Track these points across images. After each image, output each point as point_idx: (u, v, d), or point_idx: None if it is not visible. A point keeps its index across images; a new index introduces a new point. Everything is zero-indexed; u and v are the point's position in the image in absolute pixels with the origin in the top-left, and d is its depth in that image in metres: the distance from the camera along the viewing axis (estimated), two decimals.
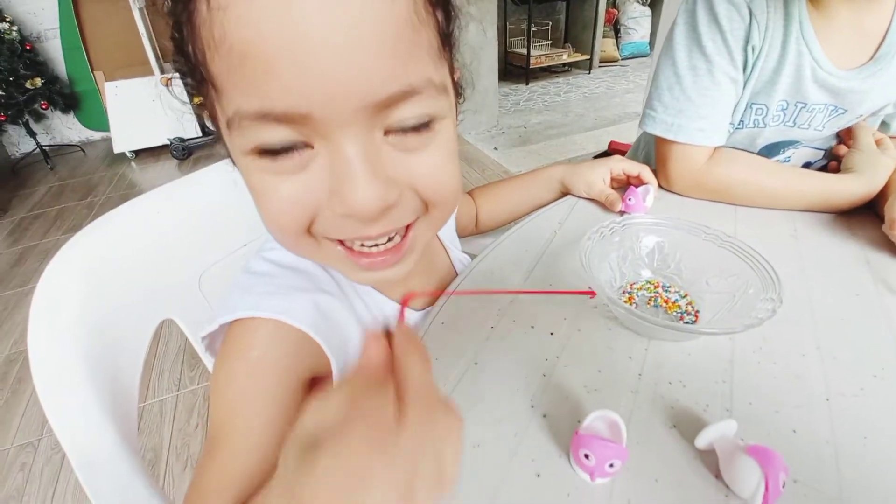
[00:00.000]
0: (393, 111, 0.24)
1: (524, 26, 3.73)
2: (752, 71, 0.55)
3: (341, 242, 0.30)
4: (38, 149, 2.96)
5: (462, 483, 0.29)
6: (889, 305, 0.41)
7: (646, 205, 0.54)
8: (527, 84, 3.89)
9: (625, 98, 3.47)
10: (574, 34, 4.21)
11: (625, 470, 0.29)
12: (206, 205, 0.58)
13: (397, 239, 0.30)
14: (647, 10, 4.25)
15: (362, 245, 0.29)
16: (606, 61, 4.22)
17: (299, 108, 0.23)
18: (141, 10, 2.68)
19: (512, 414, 0.33)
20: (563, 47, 4.16)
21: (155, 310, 0.51)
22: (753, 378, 0.35)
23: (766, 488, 0.25)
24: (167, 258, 0.53)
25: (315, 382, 0.36)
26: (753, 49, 0.54)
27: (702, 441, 0.29)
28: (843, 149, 0.59)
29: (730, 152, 0.58)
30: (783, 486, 0.25)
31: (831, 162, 0.62)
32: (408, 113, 0.25)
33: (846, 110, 0.57)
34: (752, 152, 0.63)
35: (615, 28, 4.29)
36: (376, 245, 0.29)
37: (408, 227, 0.30)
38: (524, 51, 3.78)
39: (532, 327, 0.41)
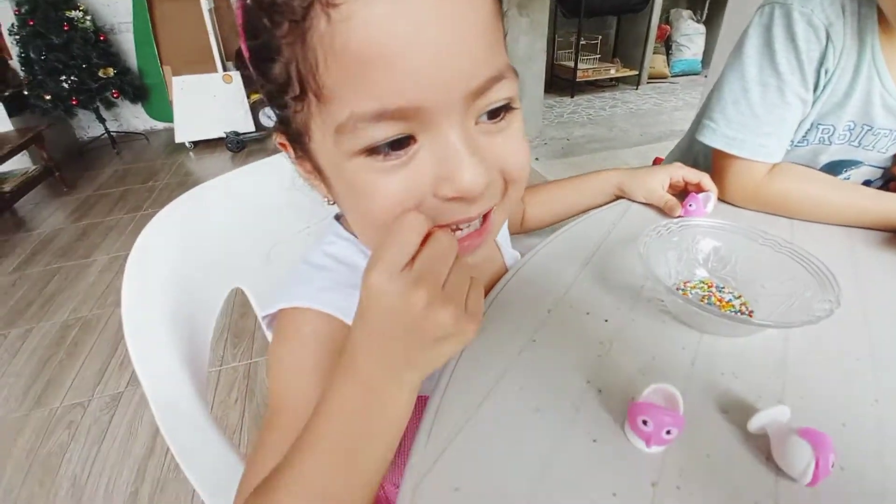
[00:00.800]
0: (485, 97, 0.27)
1: (573, 39, 3.74)
2: (821, 93, 0.55)
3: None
4: (105, 134, 3.20)
5: (522, 444, 0.31)
6: None
7: (706, 211, 0.55)
8: (572, 97, 3.89)
9: (672, 115, 3.41)
10: (624, 49, 4.18)
11: (677, 444, 0.31)
12: (278, 188, 0.63)
13: (477, 224, 0.32)
14: (702, 28, 4.17)
15: (456, 228, 0.32)
16: (655, 77, 4.17)
17: (414, 101, 0.25)
18: (210, 10, 2.87)
19: (569, 387, 0.36)
20: (612, 62, 4.13)
21: (229, 278, 0.57)
22: (805, 376, 0.36)
23: (817, 466, 0.27)
24: (242, 234, 0.58)
25: None
26: (826, 72, 0.54)
27: (755, 424, 0.30)
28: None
29: (789, 166, 0.58)
30: (832, 467, 0.27)
31: (891, 182, 0.61)
32: (495, 96, 0.27)
33: None
34: (814, 168, 0.63)
35: (667, 44, 4.24)
36: (459, 230, 0.32)
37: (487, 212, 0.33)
38: (571, 63, 3.79)
39: (587, 314, 0.43)
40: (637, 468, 0.30)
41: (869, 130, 0.58)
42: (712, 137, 0.59)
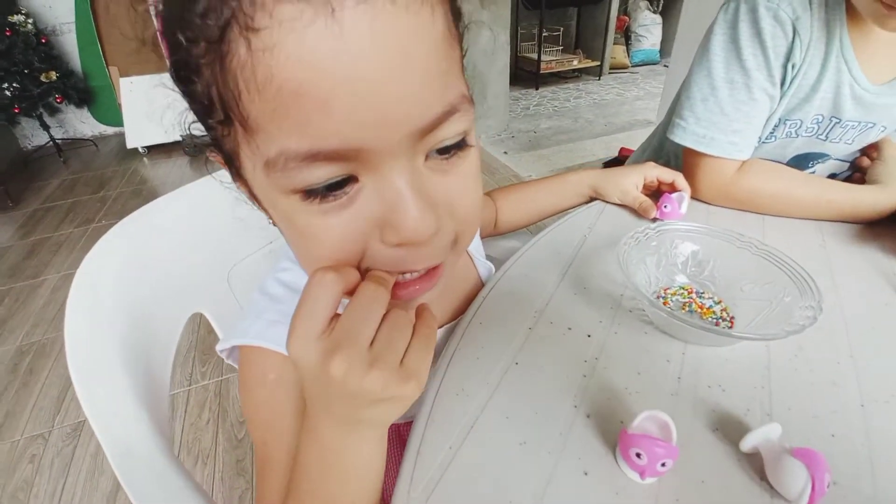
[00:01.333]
0: (434, 133, 0.24)
1: (535, 31, 3.75)
2: (788, 88, 0.55)
3: None
4: (51, 142, 2.99)
5: (509, 482, 0.30)
6: None
7: (682, 212, 0.55)
8: (537, 89, 3.91)
9: (634, 105, 3.48)
10: (585, 40, 4.23)
11: (671, 470, 0.29)
12: (238, 202, 0.59)
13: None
14: (659, 18, 4.26)
15: (402, 274, 0.29)
16: (617, 68, 4.23)
17: (352, 143, 0.22)
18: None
19: (556, 414, 0.34)
20: (574, 53, 4.17)
21: (187, 302, 0.53)
22: (791, 384, 0.36)
23: (813, 489, 0.26)
24: (199, 253, 0.54)
25: None
26: (794, 67, 0.54)
27: (747, 444, 0.30)
28: (865, 161, 0.60)
29: (759, 163, 0.58)
30: (827, 487, 0.26)
31: (855, 174, 0.63)
32: (447, 132, 0.25)
33: (875, 124, 0.58)
34: (781, 163, 0.64)
35: (626, 35, 4.31)
36: (410, 273, 0.29)
37: None
38: (535, 56, 3.80)
39: (569, 329, 0.41)
40: (632, 500, 0.28)
41: (837, 123, 0.58)
42: (683, 136, 0.59)
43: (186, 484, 0.42)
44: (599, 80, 4.11)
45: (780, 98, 0.56)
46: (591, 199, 0.63)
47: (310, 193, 0.23)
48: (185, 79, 0.23)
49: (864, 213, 0.54)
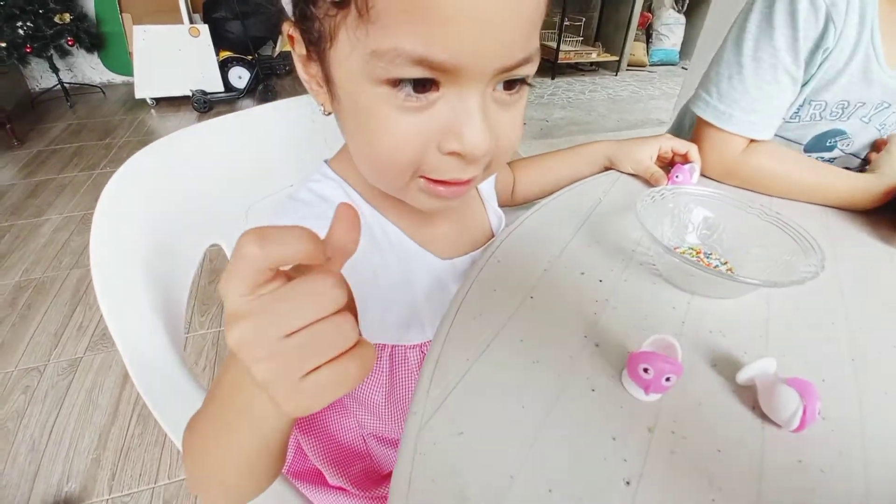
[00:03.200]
0: (511, 72, 0.28)
1: (556, 20, 3.71)
2: (817, 71, 0.56)
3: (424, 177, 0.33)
4: (59, 85, 2.95)
5: (523, 392, 0.32)
6: None
7: (692, 182, 0.56)
8: (553, 79, 3.88)
9: (649, 104, 3.47)
10: (606, 34, 4.19)
11: (671, 394, 0.32)
12: (262, 141, 0.61)
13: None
14: (682, 18, 4.22)
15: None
16: (634, 65, 4.21)
17: (457, 61, 0.25)
18: None
19: (567, 340, 0.36)
20: (594, 46, 4.14)
21: (206, 233, 0.54)
22: (787, 336, 0.38)
23: (804, 413, 0.28)
24: (221, 186, 0.55)
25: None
26: (826, 51, 0.55)
27: (743, 375, 0.32)
28: (874, 154, 0.62)
29: (766, 144, 0.60)
30: (818, 414, 0.29)
31: (866, 166, 0.65)
32: (520, 73, 0.29)
33: (890, 105, 0.60)
34: (801, 144, 0.66)
35: (647, 33, 4.27)
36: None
37: None
38: (554, 44, 3.77)
39: (582, 274, 0.44)
40: (634, 415, 0.31)
41: (861, 106, 0.60)
42: (704, 110, 0.60)
43: (196, 389, 0.44)
44: (616, 75, 4.09)
45: (809, 80, 0.57)
46: (606, 169, 0.64)
47: (397, 84, 0.27)
48: None
49: (860, 198, 0.56)
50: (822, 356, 0.36)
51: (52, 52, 2.78)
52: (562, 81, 3.89)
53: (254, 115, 0.62)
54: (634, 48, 4.14)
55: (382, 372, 0.45)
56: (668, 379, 0.29)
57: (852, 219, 0.56)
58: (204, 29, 2.81)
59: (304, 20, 0.30)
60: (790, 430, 0.29)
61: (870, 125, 0.63)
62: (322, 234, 0.36)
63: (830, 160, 0.68)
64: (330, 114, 0.35)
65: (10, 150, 2.44)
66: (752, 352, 0.36)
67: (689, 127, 0.77)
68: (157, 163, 0.50)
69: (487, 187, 0.54)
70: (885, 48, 0.55)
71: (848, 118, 0.62)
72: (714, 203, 0.47)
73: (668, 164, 0.63)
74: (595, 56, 4.01)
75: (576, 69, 4.14)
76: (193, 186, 0.53)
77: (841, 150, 0.66)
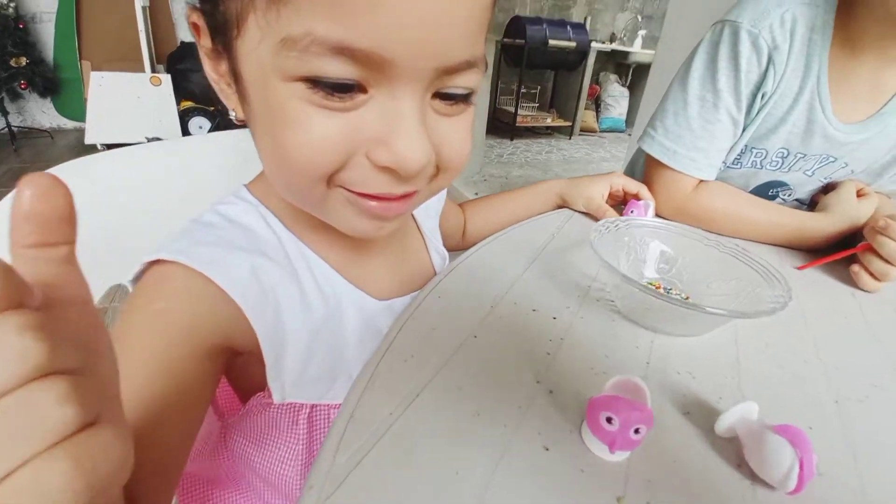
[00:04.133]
0: (452, 78, 0.25)
1: (514, 87, 3.97)
2: (756, 115, 0.56)
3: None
4: (6, 128, 2.79)
5: (459, 453, 0.25)
6: (876, 330, 0.42)
7: (647, 219, 0.54)
8: (511, 140, 4.08)
9: (601, 165, 3.68)
10: (559, 101, 4.51)
11: (640, 451, 0.26)
12: (187, 171, 0.55)
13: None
14: (626, 92, 4.63)
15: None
16: (586, 130, 4.51)
17: (385, 51, 0.22)
18: (144, 7, 2.69)
19: (515, 387, 0.30)
20: (549, 111, 4.43)
21: (105, 272, 0.46)
22: (761, 376, 0.34)
23: (801, 469, 0.23)
24: (125, 220, 0.48)
25: (233, 360, 0.32)
26: (763, 96, 0.54)
27: (723, 425, 0.27)
28: (821, 196, 0.63)
29: (715, 184, 0.60)
30: (815, 469, 0.23)
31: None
32: (461, 82, 0.26)
33: (836, 159, 0.59)
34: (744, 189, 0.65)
35: (596, 102, 4.64)
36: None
37: None
38: (512, 109, 4.00)
39: (534, 311, 0.38)
40: (599, 480, 0.24)
41: (802, 157, 0.59)
42: (650, 145, 0.60)
43: None
44: (570, 139, 4.35)
45: (749, 125, 0.57)
46: (559, 207, 0.62)
47: (316, 84, 0.23)
48: None
49: (810, 237, 0.56)
50: (802, 398, 0.32)
51: (3, 93, 2.66)
52: (520, 143, 4.08)
53: (181, 145, 0.57)
54: (585, 115, 4.46)
55: (299, 440, 0.36)
56: (636, 431, 0.23)
57: (805, 256, 0.55)
58: (166, 78, 2.79)
59: (207, 3, 0.26)
60: (786, 493, 0.23)
61: (813, 178, 0.62)
62: (232, 262, 0.28)
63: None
64: (243, 121, 0.30)
65: None
66: (728, 396, 0.31)
67: (641, 170, 0.78)
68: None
69: (430, 223, 0.49)
70: (833, 99, 0.54)
71: (788, 169, 0.61)
72: (670, 236, 0.45)
73: (621, 203, 0.61)
74: (550, 121, 4.28)
75: (533, 132, 4.38)
76: (100, 218, 0.45)
77: (783, 199, 0.67)
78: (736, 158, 0.62)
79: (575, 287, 0.42)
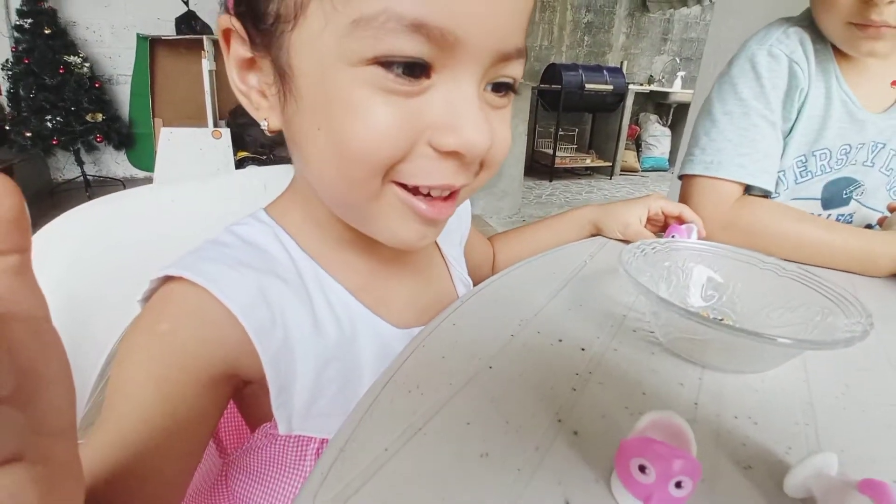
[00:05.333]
0: (505, 66, 0.26)
1: (552, 130, 4.01)
2: (800, 115, 0.56)
3: (403, 186, 0.28)
4: (81, 177, 3.12)
5: (459, 496, 0.21)
6: None
7: (689, 240, 0.49)
8: (550, 181, 4.07)
9: None
10: (598, 143, 4.49)
11: None
12: (205, 212, 0.56)
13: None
14: (668, 131, 4.55)
15: (427, 194, 0.28)
16: (627, 170, 4.43)
17: (459, 29, 0.22)
18: (210, 71, 3.00)
19: (533, 426, 0.26)
20: (588, 152, 4.42)
21: (134, 302, 0.47)
22: (840, 423, 0.27)
23: None
24: (157, 252, 0.50)
25: (241, 389, 0.31)
26: (801, 91, 0.56)
27: (794, 481, 0.21)
28: (887, 219, 0.56)
29: (767, 200, 0.57)
30: None
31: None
32: (511, 71, 0.27)
33: (885, 144, 0.59)
34: (818, 199, 0.62)
35: (637, 142, 4.58)
36: (427, 195, 0.28)
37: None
38: (550, 151, 4.02)
39: (560, 341, 0.34)
40: None
41: (862, 147, 0.59)
42: (692, 167, 0.58)
43: None
44: (611, 179, 4.29)
45: (795, 123, 0.57)
46: (593, 236, 0.58)
47: (387, 66, 0.23)
48: None
49: (879, 262, 0.48)
50: (889, 449, 0.26)
51: (80, 145, 2.98)
52: (559, 184, 4.06)
53: (214, 184, 0.59)
54: (626, 156, 4.40)
55: (304, 477, 0.33)
56: (679, 485, 0.19)
57: (880, 281, 0.48)
58: (226, 132, 3.05)
59: (252, 3, 0.26)
60: None
61: (874, 169, 0.61)
62: (238, 279, 0.28)
63: (850, 216, 0.63)
64: (273, 132, 0.30)
65: None
66: (798, 446, 0.25)
67: None
68: (91, 221, 0.45)
69: (454, 251, 0.47)
70: (856, 93, 0.56)
71: (855, 163, 0.60)
72: (717, 260, 0.40)
73: (661, 229, 0.57)
74: (589, 161, 4.25)
75: (572, 173, 4.36)
76: (130, 248, 0.47)
77: (857, 201, 0.63)
78: (803, 168, 0.59)
79: (608, 316, 0.38)
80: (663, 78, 4.70)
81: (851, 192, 0.62)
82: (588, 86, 3.84)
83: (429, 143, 0.25)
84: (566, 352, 0.33)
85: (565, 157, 4.19)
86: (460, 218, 0.48)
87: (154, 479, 0.25)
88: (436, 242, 0.44)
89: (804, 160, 0.59)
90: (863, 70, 0.57)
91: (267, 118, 0.29)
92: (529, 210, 3.28)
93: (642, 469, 0.19)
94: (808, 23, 0.57)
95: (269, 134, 0.30)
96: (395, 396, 0.28)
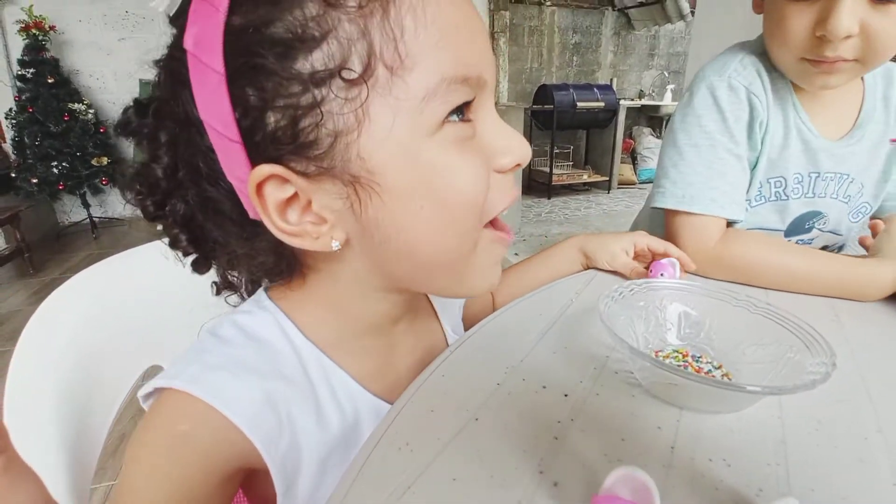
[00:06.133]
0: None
1: (547, 148, 4.07)
2: (763, 146, 0.58)
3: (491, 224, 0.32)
4: (87, 219, 3.18)
5: None
6: None
7: (677, 278, 0.51)
8: (549, 198, 4.11)
9: None
10: (594, 158, 4.55)
11: None
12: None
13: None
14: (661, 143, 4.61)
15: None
16: (625, 184, 4.47)
17: (482, 70, 0.27)
18: None
19: (516, 478, 0.27)
20: (584, 168, 4.47)
21: (144, 354, 0.50)
22: (812, 462, 0.29)
23: None
24: (165, 306, 0.52)
25: (249, 474, 0.31)
26: (761, 124, 0.57)
27: None
28: (869, 239, 0.58)
29: (748, 231, 0.57)
30: None
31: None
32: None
33: (849, 175, 0.60)
34: (782, 230, 0.63)
35: (633, 156, 4.63)
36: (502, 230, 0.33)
37: None
38: (547, 169, 4.07)
39: (543, 387, 0.36)
40: None
41: (817, 177, 0.60)
42: (663, 199, 0.59)
43: None
44: (608, 193, 4.32)
45: (759, 157, 0.59)
46: (586, 266, 0.60)
47: (456, 112, 0.26)
48: (293, 52, 0.23)
49: (866, 288, 0.49)
50: (859, 485, 0.27)
51: (86, 189, 3.04)
52: (557, 200, 4.10)
53: None
54: (623, 169, 4.44)
55: None
56: None
57: (865, 309, 0.49)
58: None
59: (297, 138, 0.24)
60: None
61: (836, 200, 0.62)
62: (243, 391, 0.29)
63: (810, 241, 0.66)
64: (338, 247, 0.28)
65: (23, 278, 2.53)
66: (770, 487, 0.27)
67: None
68: (99, 281, 0.48)
69: (454, 321, 0.48)
70: (813, 122, 0.58)
71: (813, 195, 0.62)
72: (693, 298, 0.41)
73: (647, 266, 0.58)
74: (586, 177, 4.30)
75: (570, 189, 4.40)
76: (137, 304, 0.49)
77: (819, 229, 0.65)
78: (759, 193, 0.61)
79: (591, 359, 0.40)
80: (653, 92, 4.79)
81: (814, 223, 0.64)
82: (580, 104, 3.92)
83: (495, 169, 0.29)
84: (550, 399, 0.35)
85: (562, 174, 4.24)
86: None
87: None
88: (435, 314, 0.46)
89: (760, 186, 0.61)
90: (820, 98, 0.58)
91: (334, 236, 0.28)
92: (529, 228, 3.30)
93: None
94: (763, 50, 0.58)
95: (335, 249, 0.28)
96: (387, 454, 0.29)
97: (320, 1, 0.23)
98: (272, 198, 0.26)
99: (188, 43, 0.24)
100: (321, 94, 0.23)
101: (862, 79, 0.59)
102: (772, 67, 0.58)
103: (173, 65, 0.27)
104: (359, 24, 0.23)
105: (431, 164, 0.26)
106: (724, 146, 0.57)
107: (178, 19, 0.25)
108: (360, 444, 0.33)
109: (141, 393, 0.31)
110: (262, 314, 0.33)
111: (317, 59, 0.23)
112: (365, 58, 0.23)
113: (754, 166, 0.60)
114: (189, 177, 0.28)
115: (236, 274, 0.37)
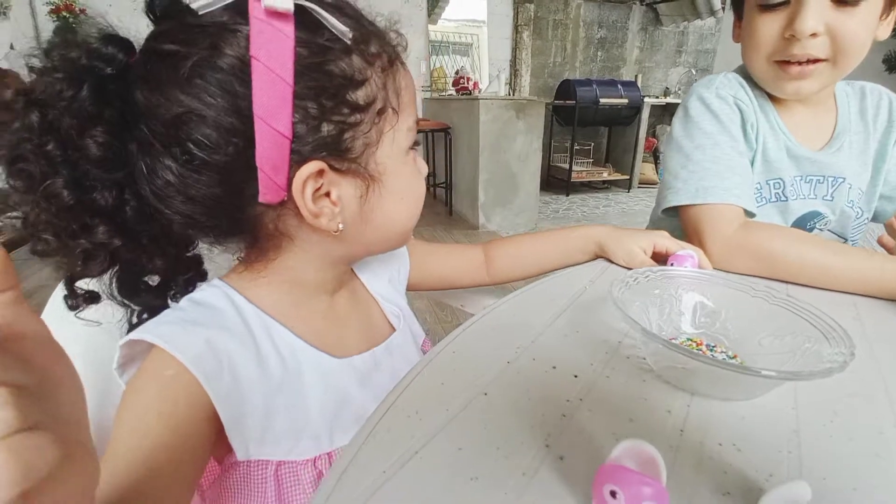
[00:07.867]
0: None
1: (567, 144, 4.03)
2: (757, 145, 0.61)
3: None
4: None
5: None
6: None
7: (682, 269, 0.50)
8: (567, 195, 4.06)
9: None
10: (615, 156, 4.48)
11: None
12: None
13: None
14: None
15: None
16: (646, 183, 4.39)
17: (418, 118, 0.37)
18: None
19: (522, 451, 0.28)
20: (604, 166, 4.40)
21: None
22: (825, 452, 0.28)
23: None
24: None
25: (220, 433, 0.35)
26: (752, 125, 0.61)
27: None
28: (886, 237, 0.58)
29: (770, 224, 0.58)
30: None
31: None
32: None
33: (844, 178, 0.63)
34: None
35: (654, 154, 4.54)
36: None
37: None
38: (566, 166, 4.03)
39: (554, 368, 0.36)
40: None
41: (815, 179, 0.63)
42: (677, 197, 0.59)
43: None
44: (629, 192, 4.25)
45: (754, 157, 0.62)
46: (597, 257, 0.59)
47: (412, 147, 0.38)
48: (354, 85, 0.33)
49: (887, 285, 0.48)
50: (872, 479, 0.26)
51: None
52: (576, 198, 4.05)
53: None
54: (644, 168, 4.36)
55: (266, 497, 0.36)
56: None
57: (886, 306, 0.47)
58: None
59: (340, 147, 0.33)
60: None
61: (835, 201, 0.64)
62: (187, 337, 0.33)
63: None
64: (338, 230, 0.35)
65: None
66: (781, 473, 0.26)
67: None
68: None
69: (383, 289, 0.50)
70: (794, 134, 0.62)
71: (815, 196, 0.64)
72: (709, 287, 0.41)
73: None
74: (606, 175, 4.23)
75: (589, 187, 4.34)
76: None
77: (821, 229, 0.66)
78: (759, 194, 0.63)
79: (603, 343, 0.39)
80: (679, 89, 4.68)
81: (816, 223, 0.66)
82: (602, 100, 3.86)
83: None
84: (559, 379, 0.35)
85: (582, 170, 4.19)
86: (388, 261, 0.51)
87: (164, 500, 0.29)
88: (361, 282, 0.48)
89: (759, 187, 0.63)
90: (797, 112, 0.62)
91: (342, 221, 0.35)
92: (546, 224, 3.28)
93: (613, 494, 0.21)
94: (745, 73, 0.63)
95: (335, 233, 0.35)
96: (395, 422, 0.30)
97: (362, 60, 0.33)
98: (310, 185, 0.33)
99: (259, 53, 0.29)
100: (360, 117, 0.33)
101: (834, 97, 0.64)
102: (753, 85, 0.63)
103: (218, 59, 0.30)
104: (382, 78, 0.34)
105: (406, 169, 0.38)
106: (726, 144, 0.59)
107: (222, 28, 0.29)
108: (306, 394, 0.37)
109: (115, 367, 0.34)
110: (211, 289, 0.39)
111: (360, 95, 0.33)
112: (384, 99, 0.35)
113: (752, 163, 0.62)
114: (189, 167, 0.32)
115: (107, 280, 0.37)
